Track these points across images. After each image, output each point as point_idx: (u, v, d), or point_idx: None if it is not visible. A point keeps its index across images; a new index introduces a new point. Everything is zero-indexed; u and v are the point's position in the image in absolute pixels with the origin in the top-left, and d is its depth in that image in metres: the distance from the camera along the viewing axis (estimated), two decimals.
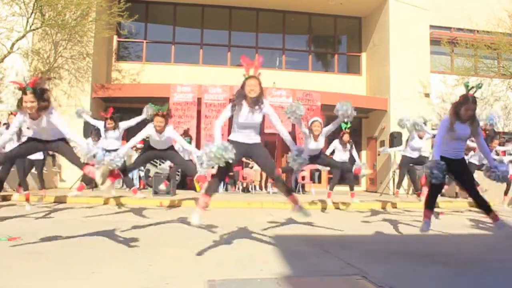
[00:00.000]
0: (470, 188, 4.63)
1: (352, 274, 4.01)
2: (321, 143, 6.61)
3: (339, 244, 5.61)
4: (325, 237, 6.05)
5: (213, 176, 4.53)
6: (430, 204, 4.72)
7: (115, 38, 15.29)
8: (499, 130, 16.36)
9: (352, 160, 9.31)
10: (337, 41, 17.59)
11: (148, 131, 6.27)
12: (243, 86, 4.27)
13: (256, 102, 4.28)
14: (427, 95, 15.17)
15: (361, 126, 16.57)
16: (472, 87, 4.51)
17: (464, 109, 4.36)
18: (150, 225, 6.85)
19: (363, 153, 16.37)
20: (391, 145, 13.78)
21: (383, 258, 4.78)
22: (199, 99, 12.95)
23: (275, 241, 5.60)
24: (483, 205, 4.58)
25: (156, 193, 11.41)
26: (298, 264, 4.41)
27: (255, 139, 4.44)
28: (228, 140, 4.32)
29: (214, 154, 3.96)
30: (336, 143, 9.13)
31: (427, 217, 4.68)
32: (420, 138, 9.08)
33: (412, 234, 6.81)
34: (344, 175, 9.59)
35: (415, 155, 9.18)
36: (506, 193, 9.68)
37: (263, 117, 4.39)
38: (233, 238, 5.62)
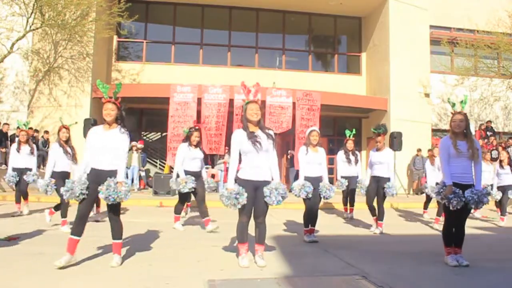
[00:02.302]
0: (462, 221, 4.58)
1: (352, 274, 4.02)
2: (321, 154, 5.80)
3: (339, 244, 5.62)
4: (325, 237, 6.05)
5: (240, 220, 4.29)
6: (447, 241, 4.55)
7: (115, 38, 15.27)
8: (499, 130, 16.40)
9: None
10: (337, 41, 17.57)
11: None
12: (244, 111, 4.26)
13: (262, 128, 4.25)
14: (427, 95, 15.17)
15: (361, 126, 16.56)
16: (454, 104, 4.68)
17: (452, 121, 4.59)
18: (150, 225, 6.85)
19: (363, 153, 16.35)
20: (391, 145, 13.77)
21: (383, 258, 4.78)
22: (199, 99, 12.94)
23: (275, 241, 5.60)
24: (460, 237, 4.56)
25: (156, 193, 11.42)
26: (298, 264, 4.41)
27: (266, 173, 4.25)
28: (238, 179, 4.21)
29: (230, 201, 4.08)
30: (340, 155, 8.50)
31: (449, 253, 4.54)
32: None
33: (412, 234, 6.82)
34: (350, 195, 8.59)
35: None
36: None
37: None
38: (233, 238, 5.61)
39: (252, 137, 4.16)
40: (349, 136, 8.39)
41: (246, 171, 4.21)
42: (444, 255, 4.57)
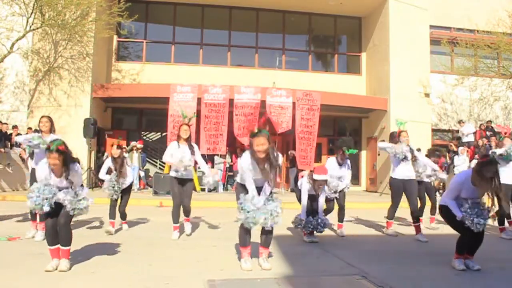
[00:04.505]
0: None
1: (352, 274, 4.02)
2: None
3: (339, 244, 5.62)
4: (325, 237, 6.05)
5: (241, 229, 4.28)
6: (460, 249, 4.38)
7: (115, 38, 15.26)
8: (499, 130, 16.40)
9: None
10: (337, 41, 17.58)
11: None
12: (251, 144, 4.14)
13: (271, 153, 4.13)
14: (427, 95, 15.18)
15: (361, 126, 16.58)
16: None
17: (485, 170, 4.18)
18: (150, 225, 6.85)
19: (363, 153, 16.38)
20: None
21: (383, 258, 4.78)
22: (199, 99, 12.94)
23: (275, 241, 5.60)
24: (477, 245, 4.39)
25: (156, 193, 11.42)
26: (298, 264, 4.41)
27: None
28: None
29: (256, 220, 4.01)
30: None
31: (458, 257, 4.38)
32: None
33: (412, 234, 6.81)
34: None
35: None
36: None
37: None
38: (233, 238, 5.61)
39: (258, 163, 4.10)
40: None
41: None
42: (453, 258, 4.38)
